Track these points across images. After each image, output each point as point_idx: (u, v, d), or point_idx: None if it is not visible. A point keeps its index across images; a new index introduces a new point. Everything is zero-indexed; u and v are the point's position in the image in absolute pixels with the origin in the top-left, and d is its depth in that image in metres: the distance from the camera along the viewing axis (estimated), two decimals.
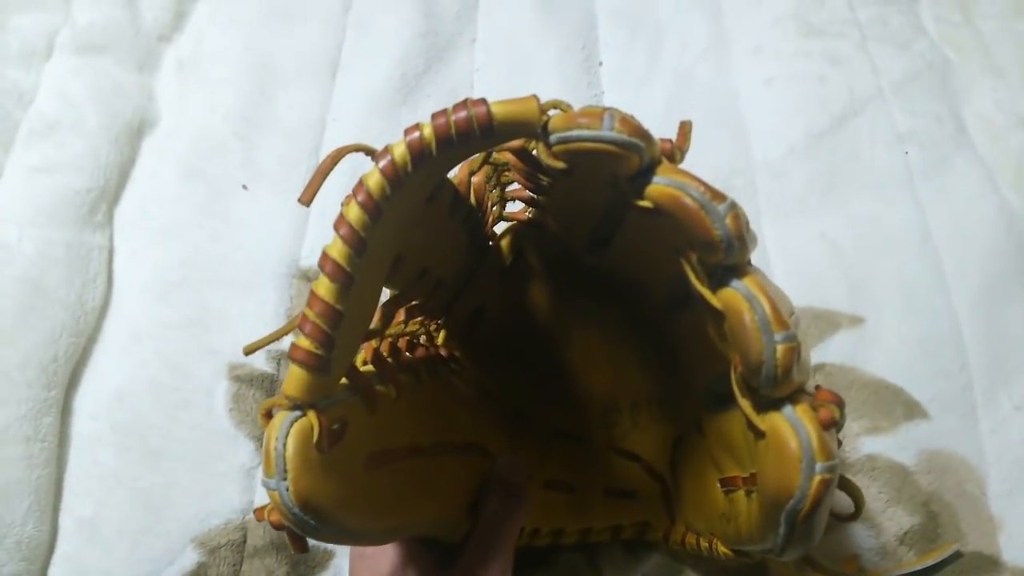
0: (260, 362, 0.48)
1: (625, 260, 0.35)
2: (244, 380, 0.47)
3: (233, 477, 0.45)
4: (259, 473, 0.45)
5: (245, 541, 0.44)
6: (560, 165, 0.25)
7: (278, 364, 0.48)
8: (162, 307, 0.49)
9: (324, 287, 0.24)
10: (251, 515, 0.44)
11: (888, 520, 0.44)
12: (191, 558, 0.43)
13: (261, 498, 0.45)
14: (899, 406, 0.47)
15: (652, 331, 0.39)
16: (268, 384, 0.47)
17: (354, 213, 0.24)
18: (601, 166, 0.24)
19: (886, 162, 0.54)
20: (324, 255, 0.24)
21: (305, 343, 0.24)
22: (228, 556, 0.43)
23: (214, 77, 0.58)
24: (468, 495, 0.34)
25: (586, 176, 0.28)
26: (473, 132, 0.23)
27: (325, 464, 0.25)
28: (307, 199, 0.25)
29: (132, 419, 0.46)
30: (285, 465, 0.24)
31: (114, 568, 0.43)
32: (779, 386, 0.24)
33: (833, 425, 0.24)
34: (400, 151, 0.24)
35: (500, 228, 0.40)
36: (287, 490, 0.24)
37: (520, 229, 0.39)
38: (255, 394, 0.47)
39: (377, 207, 0.24)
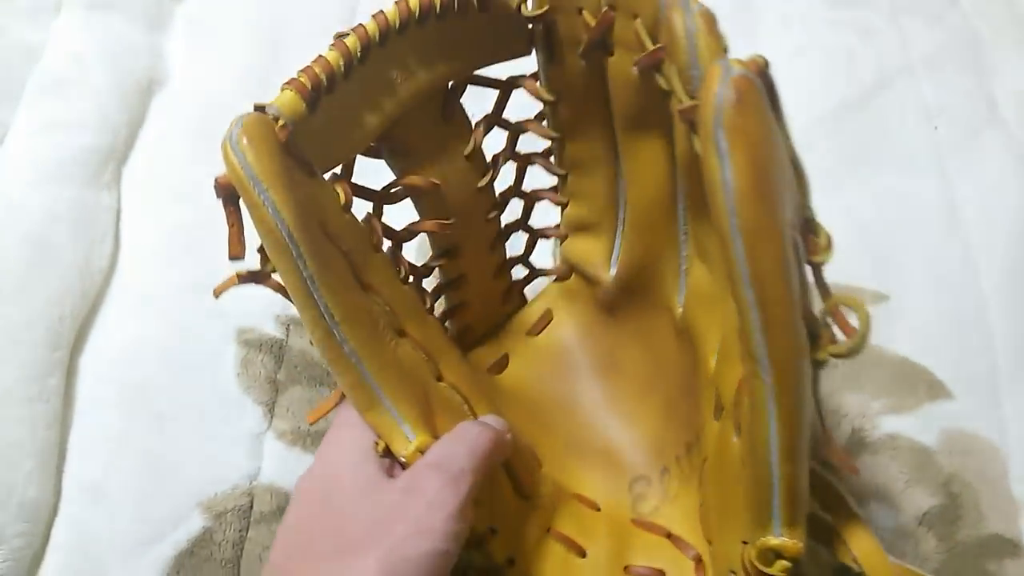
0: (269, 326, 0.47)
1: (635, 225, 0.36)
2: (252, 344, 0.46)
3: (240, 442, 0.44)
4: (266, 439, 0.45)
5: (252, 507, 0.43)
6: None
7: (287, 329, 0.47)
8: (170, 269, 0.48)
9: (331, 54, 0.28)
10: (257, 481, 0.43)
11: (908, 500, 0.43)
12: (197, 523, 0.42)
13: (269, 464, 0.44)
14: (922, 385, 0.46)
15: (674, 361, 0.37)
16: (277, 349, 0.46)
17: (370, 24, 0.29)
18: None
19: (915, 137, 0.52)
20: (338, 39, 0.28)
21: (302, 78, 0.27)
22: (234, 522, 0.42)
23: (225, 36, 0.57)
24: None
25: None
26: None
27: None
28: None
29: (139, 382, 0.45)
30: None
31: (118, 531, 0.42)
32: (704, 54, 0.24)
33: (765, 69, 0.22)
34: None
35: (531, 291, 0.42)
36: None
37: (552, 293, 0.41)
38: (263, 359, 0.46)
39: (383, 34, 0.29)
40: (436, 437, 0.30)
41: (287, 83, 0.27)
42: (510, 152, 0.37)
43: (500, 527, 0.32)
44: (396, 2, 0.29)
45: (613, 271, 0.38)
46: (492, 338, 0.41)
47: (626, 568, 0.34)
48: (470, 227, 0.37)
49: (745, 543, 0.27)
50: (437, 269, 0.38)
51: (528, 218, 0.40)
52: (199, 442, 0.44)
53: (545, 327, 0.41)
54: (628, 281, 0.38)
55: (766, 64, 0.22)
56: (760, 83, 0.21)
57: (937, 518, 0.43)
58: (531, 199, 0.40)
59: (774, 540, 0.26)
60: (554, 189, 0.39)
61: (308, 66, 0.28)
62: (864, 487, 0.44)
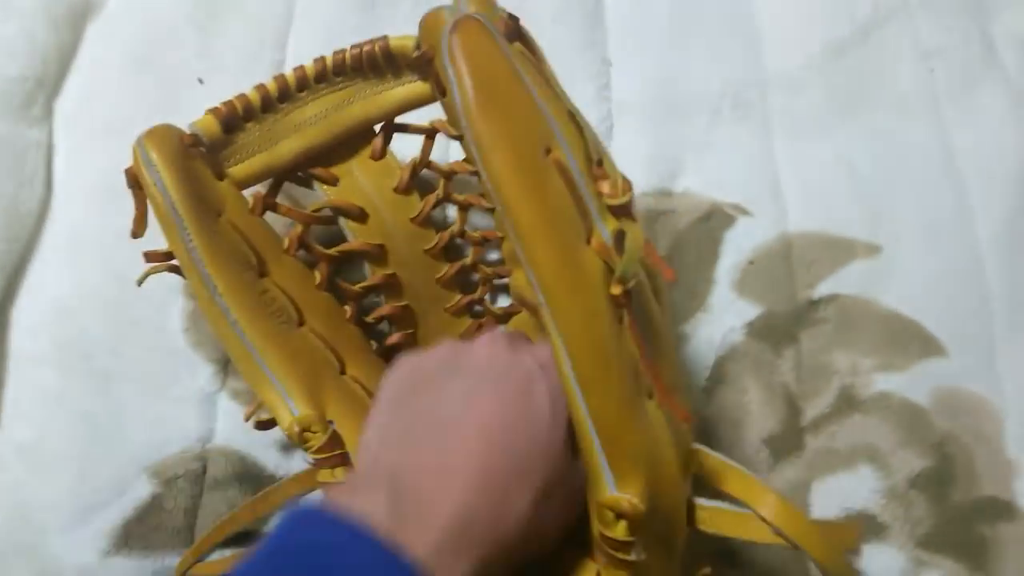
0: None
1: None
2: None
3: (190, 402, 0.41)
4: (219, 399, 0.41)
5: (205, 472, 0.40)
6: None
7: None
8: (108, 213, 0.44)
9: (251, 93, 0.35)
10: (211, 444, 0.40)
11: (899, 461, 0.41)
12: (144, 489, 0.39)
13: (223, 426, 0.41)
14: (915, 342, 0.44)
15: None
16: None
17: (290, 74, 0.35)
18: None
19: (910, 79, 0.49)
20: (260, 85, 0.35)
21: (223, 107, 0.34)
22: (186, 488, 0.39)
23: None
24: None
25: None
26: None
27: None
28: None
29: (76, 336, 0.42)
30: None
31: (58, 498, 0.39)
32: None
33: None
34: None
35: None
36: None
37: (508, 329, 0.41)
38: None
39: (300, 82, 0.35)
40: (324, 418, 0.31)
41: (210, 109, 0.34)
42: (444, 193, 0.40)
43: None
44: (315, 60, 0.35)
45: None
46: None
47: None
48: (407, 256, 0.40)
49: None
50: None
51: (476, 258, 0.42)
52: (145, 402, 0.41)
53: None
54: None
55: (513, 19, 0.26)
56: (487, 23, 0.24)
57: (930, 480, 0.41)
58: (476, 239, 0.41)
59: (608, 497, 0.25)
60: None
61: (231, 99, 0.34)
62: (854, 448, 0.42)
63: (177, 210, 0.30)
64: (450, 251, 0.41)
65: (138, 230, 0.33)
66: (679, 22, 0.51)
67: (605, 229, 0.24)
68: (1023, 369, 0.44)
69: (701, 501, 0.29)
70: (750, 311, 0.44)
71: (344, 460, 0.31)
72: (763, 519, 0.27)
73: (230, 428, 0.41)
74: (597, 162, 0.25)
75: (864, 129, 0.48)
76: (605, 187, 0.25)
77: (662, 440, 0.26)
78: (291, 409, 0.31)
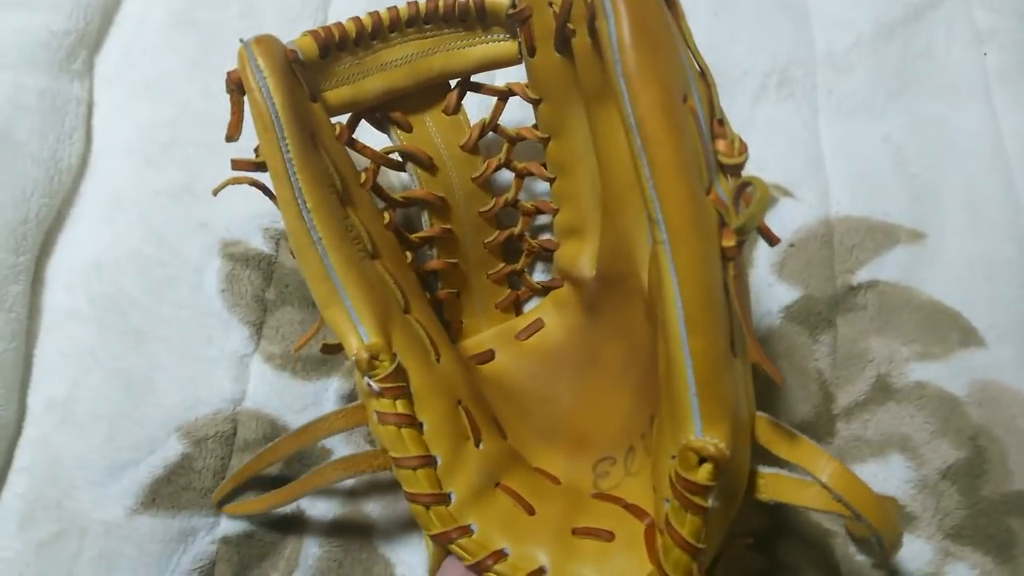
0: (257, 240, 0.43)
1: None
2: (239, 259, 0.42)
3: (224, 364, 0.41)
4: (252, 361, 0.41)
5: (235, 434, 0.40)
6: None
7: (276, 244, 0.43)
8: (148, 170, 0.44)
9: (347, 23, 0.34)
10: (242, 406, 0.40)
11: (932, 452, 0.41)
12: (175, 448, 0.39)
13: (255, 389, 0.41)
14: (955, 331, 0.43)
15: (646, 342, 0.36)
16: (265, 265, 0.43)
17: (383, 12, 0.35)
18: None
19: (962, 63, 0.48)
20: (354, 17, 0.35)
21: (320, 30, 0.34)
22: (216, 448, 0.39)
23: None
24: None
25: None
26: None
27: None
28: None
29: (112, 293, 0.42)
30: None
31: (88, 454, 0.39)
32: None
33: None
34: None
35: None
36: None
37: (545, 304, 0.43)
38: (250, 275, 0.42)
39: (393, 22, 0.35)
40: (391, 350, 0.31)
41: (307, 31, 0.33)
42: (506, 159, 0.40)
43: (444, 458, 0.32)
44: (408, 3, 0.35)
45: (594, 268, 0.39)
46: (481, 336, 0.42)
47: (574, 530, 0.32)
48: (463, 215, 0.40)
49: (673, 458, 0.26)
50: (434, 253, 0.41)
51: (524, 229, 0.42)
52: (178, 362, 0.41)
53: (534, 334, 0.42)
54: (606, 273, 0.38)
55: None
56: None
57: (962, 472, 0.41)
58: (528, 210, 0.42)
59: (695, 440, 0.25)
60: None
61: (328, 25, 0.34)
62: (888, 437, 0.41)
63: (279, 117, 0.30)
64: (501, 218, 0.41)
65: (233, 133, 0.32)
66: None
67: (719, 184, 0.25)
68: None
69: (761, 468, 0.29)
70: (788, 294, 0.43)
71: (406, 393, 0.32)
72: (824, 485, 0.27)
73: (262, 391, 0.41)
74: (718, 121, 0.26)
75: (913, 113, 0.47)
76: (722, 145, 0.25)
77: (742, 398, 0.27)
78: (361, 335, 0.31)
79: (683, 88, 0.24)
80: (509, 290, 0.43)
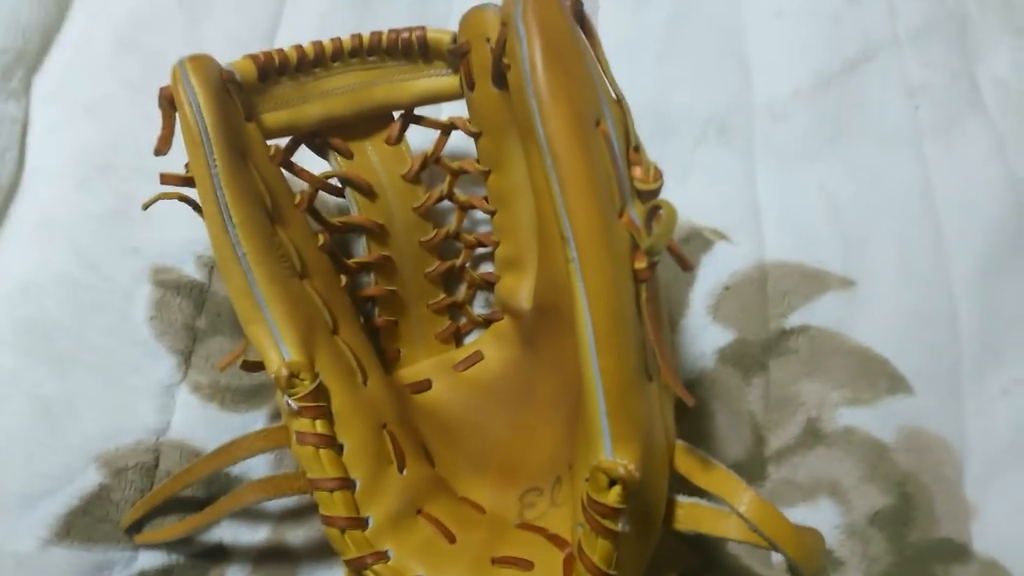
0: (189, 267, 0.42)
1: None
2: (169, 286, 0.42)
3: (149, 393, 0.40)
4: (179, 391, 0.40)
5: (157, 465, 0.39)
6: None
7: (209, 272, 0.43)
8: (81, 193, 0.43)
9: (289, 50, 0.35)
10: (166, 437, 0.39)
11: (860, 498, 0.41)
12: (93, 478, 0.38)
13: (181, 419, 0.40)
14: (883, 378, 0.44)
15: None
16: (197, 293, 0.42)
17: (327, 43, 0.36)
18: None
19: (895, 115, 0.49)
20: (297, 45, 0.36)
21: (261, 55, 0.34)
22: (136, 480, 0.38)
23: None
24: None
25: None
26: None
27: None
28: None
29: (36, 317, 0.40)
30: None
31: (3, 482, 0.38)
32: None
33: None
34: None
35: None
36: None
37: (485, 337, 0.43)
38: (181, 303, 0.41)
39: (335, 52, 0.36)
40: (313, 369, 0.31)
41: (247, 55, 0.34)
42: (448, 191, 0.40)
43: (363, 482, 0.31)
44: (352, 35, 0.36)
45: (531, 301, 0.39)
46: (420, 366, 0.42)
47: (493, 559, 0.32)
48: (403, 243, 0.40)
49: (587, 480, 0.26)
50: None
51: (466, 260, 0.42)
52: (102, 390, 0.40)
53: (472, 365, 0.42)
54: (542, 305, 0.38)
55: (577, 1, 0.27)
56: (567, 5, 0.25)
57: (889, 519, 0.41)
58: (470, 242, 0.42)
59: (605, 461, 0.25)
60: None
61: (269, 50, 0.34)
62: (817, 481, 0.42)
63: (208, 133, 0.30)
64: (443, 250, 0.42)
65: (162, 147, 0.32)
66: (671, 43, 0.51)
67: (633, 208, 0.26)
68: (987, 413, 0.44)
69: (679, 498, 0.29)
70: (723, 336, 0.43)
71: (326, 413, 0.31)
72: (741, 516, 0.28)
73: (188, 422, 0.40)
74: (634, 148, 0.26)
75: (847, 162, 0.48)
76: (638, 172, 0.26)
77: (656, 422, 0.27)
78: (283, 353, 0.31)
79: (595, 112, 0.25)
80: (449, 321, 0.42)
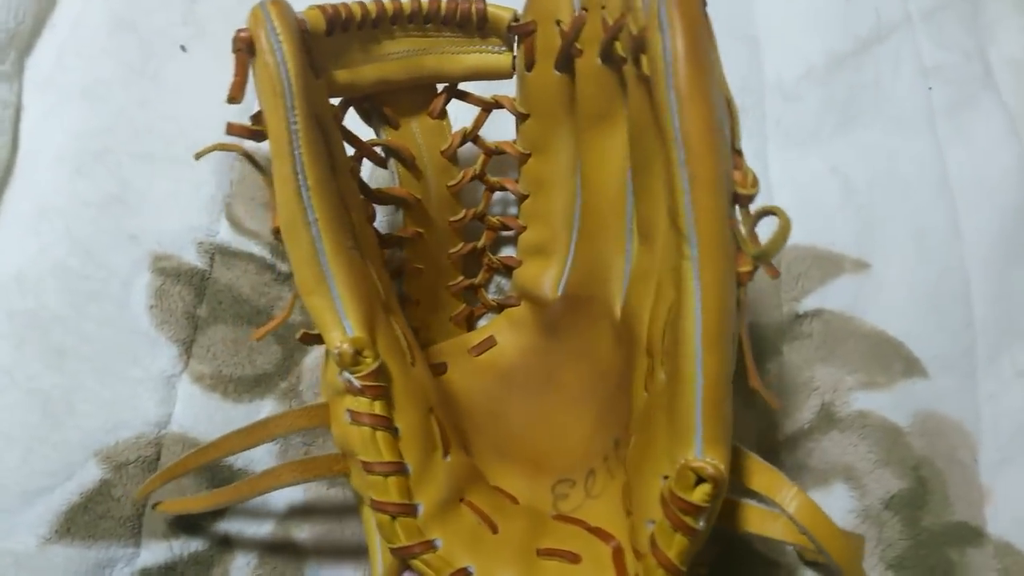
0: (190, 254, 0.41)
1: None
2: (169, 274, 0.41)
3: (149, 385, 0.39)
4: (180, 382, 0.39)
5: (159, 459, 0.38)
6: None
7: (211, 259, 0.42)
8: (77, 179, 0.42)
9: (353, 5, 0.32)
10: (167, 430, 0.38)
11: (875, 482, 0.41)
12: (93, 474, 0.37)
13: (182, 411, 0.39)
14: (898, 362, 0.43)
15: (611, 367, 0.36)
16: (198, 281, 0.41)
17: (387, 2, 0.33)
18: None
19: (908, 95, 0.49)
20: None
21: (328, 7, 0.31)
22: (137, 474, 0.37)
23: None
24: None
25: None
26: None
27: None
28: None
29: (33, 308, 0.39)
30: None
31: (1, 479, 0.37)
32: None
33: None
34: None
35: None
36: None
37: (499, 322, 0.42)
38: (181, 291, 0.40)
39: (395, 13, 0.33)
40: (375, 345, 0.29)
41: (315, 5, 0.31)
42: (481, 170, 0.39)
43: (415, 468, 0.30)
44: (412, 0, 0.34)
45: (561, 290, 0.39)
46: (434, 348, 0.41)
47: (538, 551, 0.31)
48: (436, 222, 0.39)
49: (666, 478, 0.26)
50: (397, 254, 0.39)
51: (487, 243, 0.41)
52: (100, 382, 0.39)
53: (486, 350, 0.41)
54: (575, 295, 0.37)
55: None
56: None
57: (904, 502, 0.40)
58: (493, 225, 0.41)
59: (695, 460, 0.24)
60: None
61: (334, 3, 0.32)
62: (831, 466, 0.41)
63: (291, 84, 0.27)
64: (466, 232, 0.41)
65: (236, 95, 0.29)
66: None
67: (736, 212, 0.25)
68: (1001, 395, 0.43)
69: (728, 496, 0.29)
70: None
71: (386, 394, 0.29)
72: (790, 517, 0.27)
73: (190, 414, 0.39)
74: (737, 151, 0.26)
75: (859, 143, 0.47)
76: (738, 175, 0.25)
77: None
78: (346, 328, 0.29)
79: (721, 111, 0.24)
80: (463, 304, 0.42)
